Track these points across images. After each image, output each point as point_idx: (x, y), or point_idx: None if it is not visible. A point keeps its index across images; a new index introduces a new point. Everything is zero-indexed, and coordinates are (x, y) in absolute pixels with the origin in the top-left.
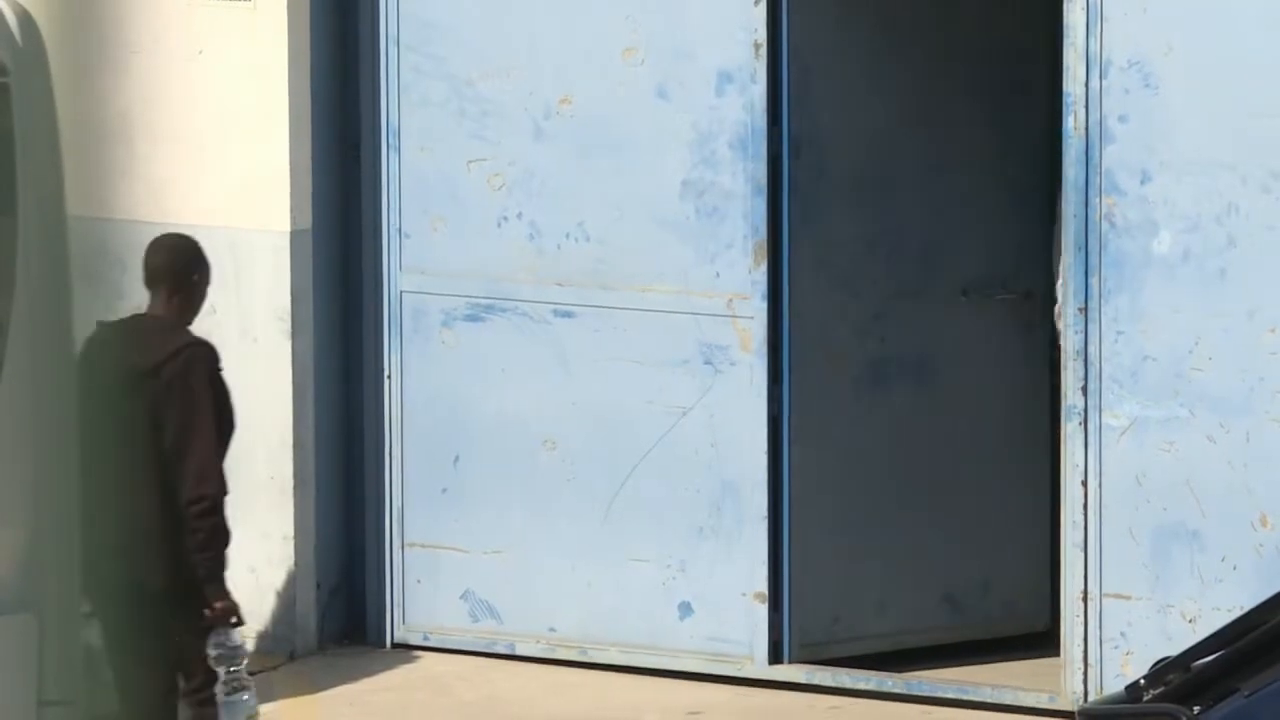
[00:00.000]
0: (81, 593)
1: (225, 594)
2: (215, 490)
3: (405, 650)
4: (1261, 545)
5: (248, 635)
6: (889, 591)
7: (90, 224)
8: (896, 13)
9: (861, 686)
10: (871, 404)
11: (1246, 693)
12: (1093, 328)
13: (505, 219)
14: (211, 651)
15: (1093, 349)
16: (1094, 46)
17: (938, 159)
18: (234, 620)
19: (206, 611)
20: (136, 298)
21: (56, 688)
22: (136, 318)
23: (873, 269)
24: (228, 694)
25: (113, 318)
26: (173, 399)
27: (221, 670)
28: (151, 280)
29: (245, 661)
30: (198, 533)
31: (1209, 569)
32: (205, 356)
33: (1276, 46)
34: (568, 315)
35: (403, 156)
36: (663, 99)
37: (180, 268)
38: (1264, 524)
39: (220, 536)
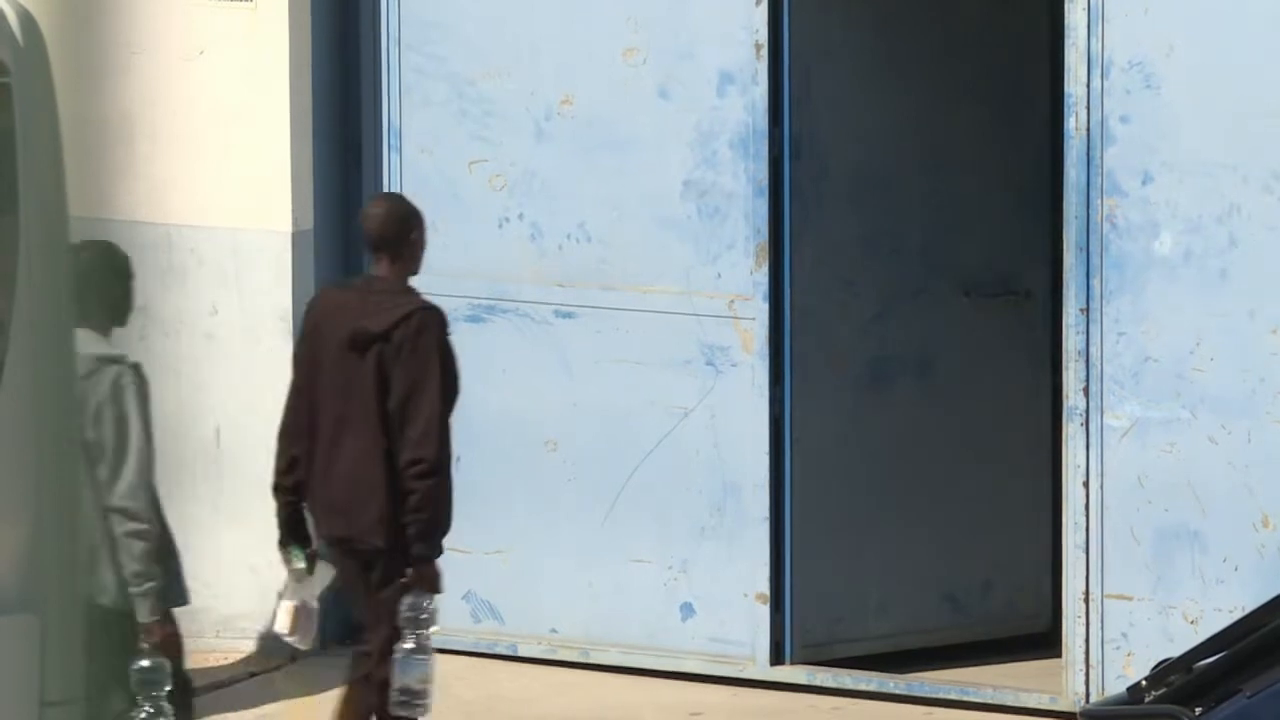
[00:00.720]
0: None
1: (431, 559)
2: (434, 454)
3: None
4: (1263, 546)
5: (435, 604)
6: (890, 592)
7: (90, 224)
8: (898, 13)
9: (863, 687)
10: (873, 405)
11: (1249, 694)
12: (1094, 328)
13: (506, 219)
14: (404, 611)
15: (1094, 350)
16: (1095, 47)
17: (939, 159)
18: (434, 588)
19: (409, 571)
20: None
21: (58, 688)
22: (366, 280)
23: (874, 269)
24: (406, 654)
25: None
26: (401, 362)
27: (408, 630)
28: (372, 246)
29: (433, 628)
30: (413, 494)
31: (1210, 570)
32: (435, 321)
33: (1278, 47)
34: (569, 316)
35: (404, 157)
36: (664, 99)
37: (396, 230)
38: (1265, 525)
39: (434, 500)
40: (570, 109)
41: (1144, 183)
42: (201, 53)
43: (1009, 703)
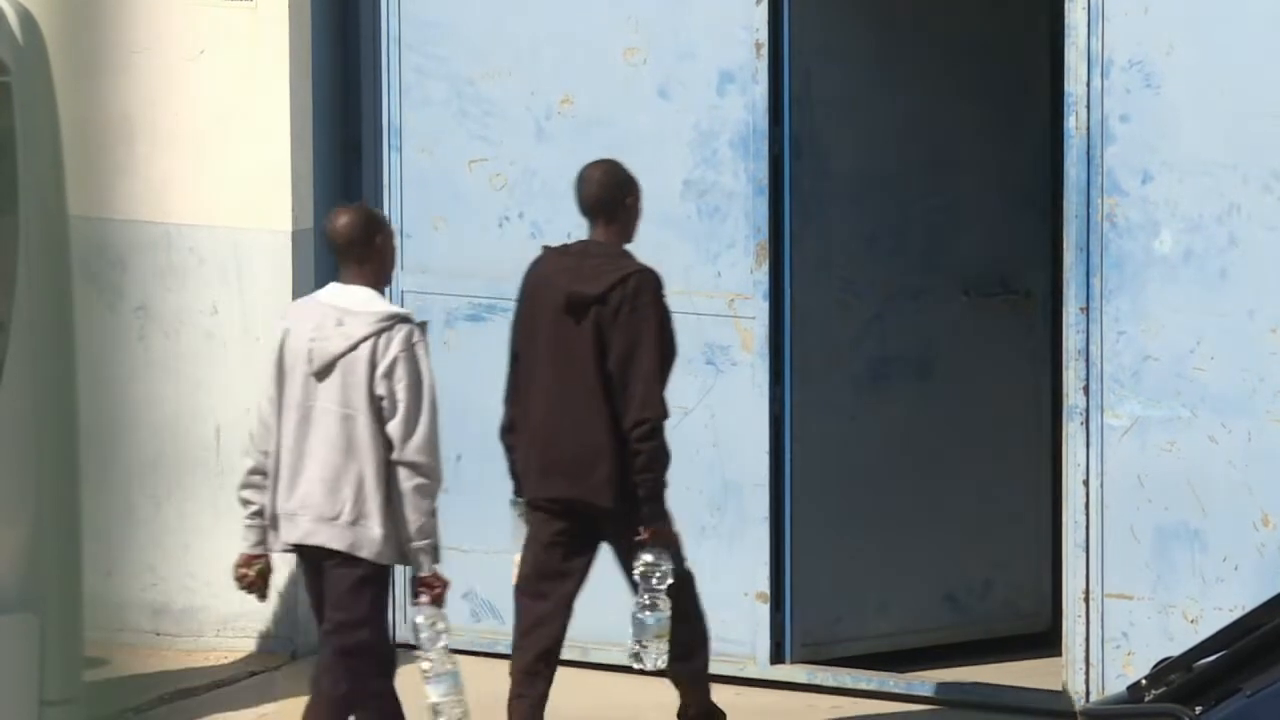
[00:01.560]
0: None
1: (661, 516)
2: (657, 414)
3: (407, 650)
4: (1263, 545)
5: (669, 562)
6: (890, 591)
7: (90, 224)
8: (898, 12)
9: (863, 687)
10: (873, 404)
11: (1249, 693)
12: (1094, 327)
13: (507, 219)
14: (637, 568)
15: (1094, 349)
16: (1095, 46)
17: (939, 159)
18: (668, 544)
19: (641, 530)
20: (137, 297)
21: (58, 687)
22: (582, 244)
23: (874, 269)
24: (640, 610)
25: (559, 244)
26: (619, 324)
27: (642, 587)
28: (588, 210)
29: (668, 582)
30: (639, 455)
31: (1210, 569)
32: (651, 283)
33: (1278, 47)
34: None
35: (404, 156)
36: (664, 99)
37: (611, 195)
38: (1266, 524)
39: (659, 459)
40: (570, 108)
41: (1144, 182)
42: (202, 52)
43: (1009, 702)
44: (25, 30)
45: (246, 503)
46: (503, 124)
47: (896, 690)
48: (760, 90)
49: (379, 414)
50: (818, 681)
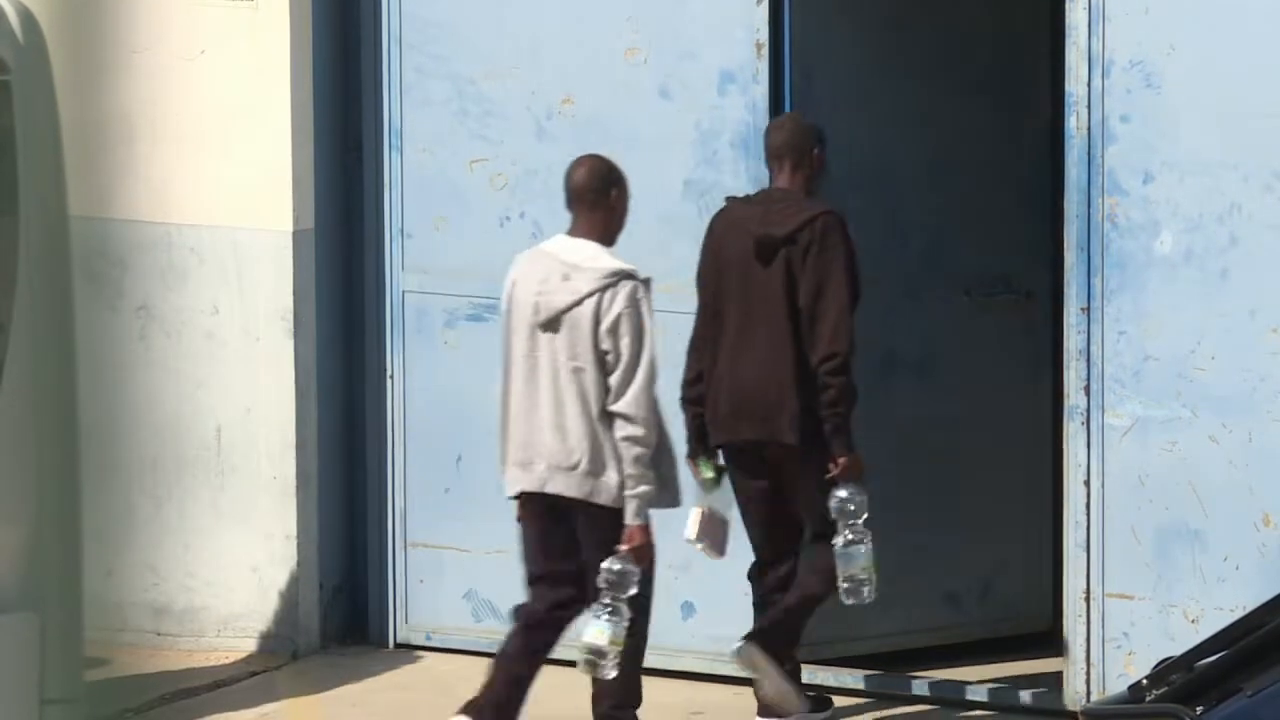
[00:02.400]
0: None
1: (850, 450)
2: (845, 348)
3: (408, 650)
4: (1264, 545)
5: (864, 495)
6: (891, 591)
7: (90, 224)
8: (898, 12)
9: (863, 687)
10: (873, 404)
11: (1249, 693)
12: (1095, 328)
13: (508, 219)
14: (833, 504)
15: (1095, 349)
16: (1096, 46)
17: (939, 159)
18: (858, 477)
19: (831, 466)
20: (138, 297)
21: (58, 686)
22: (766, 192)
23: (874, 269)
24: (844, 545)
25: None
26: (808, 262)
27: (841, 522)
28: (778, 155)
29: (865, 516)
30: (828, 389)
31: (1211, 569)
32: (838, 223)
33: (1278, 47)
34: None
35: (405, 156)
36: (665, 99)
37: (803, 143)
38: (1266, 524)
39: (848, 394)
40: (571, 108)
41: (1145, 182)
42: (202, 52)
43: (1010, 702)
44: (26, 29)
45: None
46: (503, 124)
47: (896, 690)
48: (761, 90)
49: (604, 367)
50: (818, 681)
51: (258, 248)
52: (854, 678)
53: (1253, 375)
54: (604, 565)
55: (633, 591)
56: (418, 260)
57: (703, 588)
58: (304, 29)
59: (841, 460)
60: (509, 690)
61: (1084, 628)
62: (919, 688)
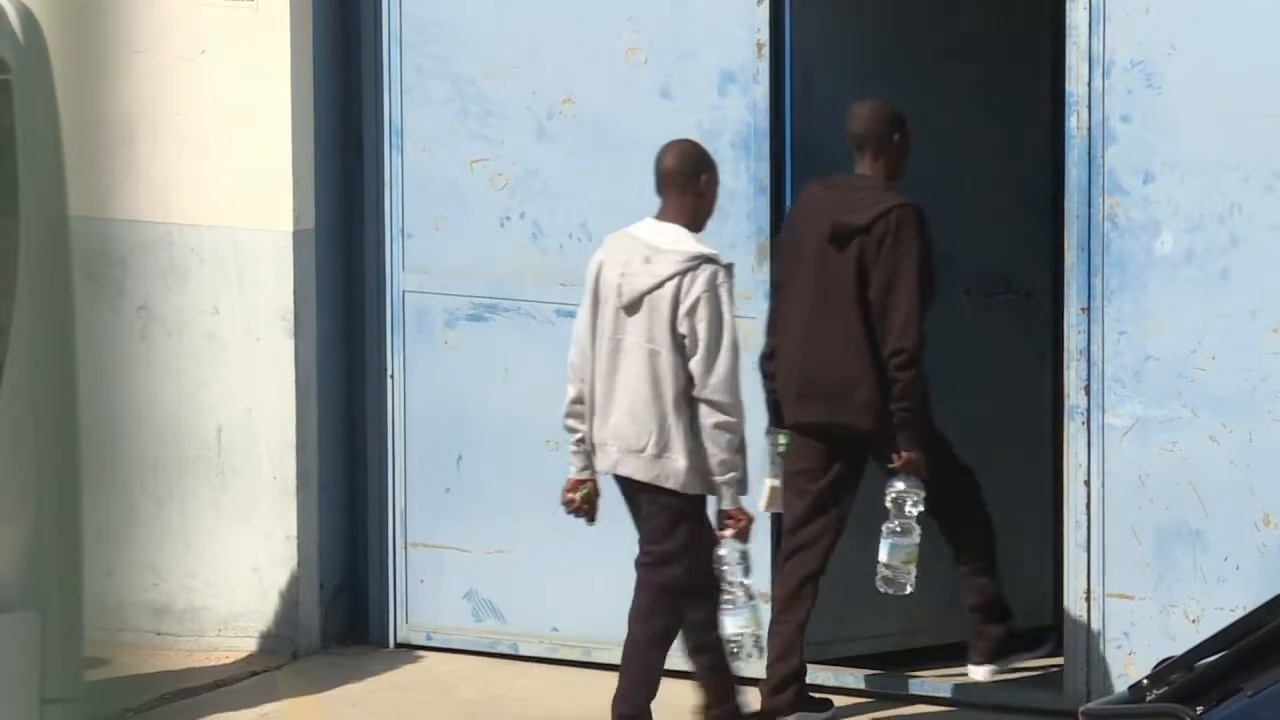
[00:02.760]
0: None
1: (915, 445)
2: (913, 344)
3: (408, 650)
4: (1264, 545)
5: (920, 489)
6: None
7: (91, 224)
8: (899, 12)
9: (864, 686)
10: None
11: (1250, 693)
12: (1095, 328)
13: (508, 219)
14: (890, 492)
15: (1095, 349)
16: (1096, 46)
17: (940, 159)
18: (920, 473)
19: (895, 457)
20: (139, 297)
21: (58, 686)
22: (847, 178)
23: None
24: (892, 533)
25: (826, 178)
26: (881, 255)
27: (893, 511)
28: (858, 144)
29: (918, 509)
30: (895, 383)
31: (1212, 569)
32: (914, 217)
33: (1278, 46)
34: (571, 315)
35: (405, 156)
36: (665, 99)
37: (882, 130)
38: (1267, 524)
39: (915, 389)
40: (572, 108)
41: (1145, 182)
42: (203, 52)
43: (1010, 702)
44: (26, 29)
45: (571, 430)
46: (504, 124)
47: (897, 690)
48: (761, 90)
49: (681, 350)
50: (819, 681)
51: (258, 248)
52: (854, 678)
53: (1253, 375)
54: (718, 553)
55: (742, 578)
56: (418, 260)
57: None
58: (304, 29)
59: (905, 454)
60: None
61: (1084, 628)
62: (919, 688)
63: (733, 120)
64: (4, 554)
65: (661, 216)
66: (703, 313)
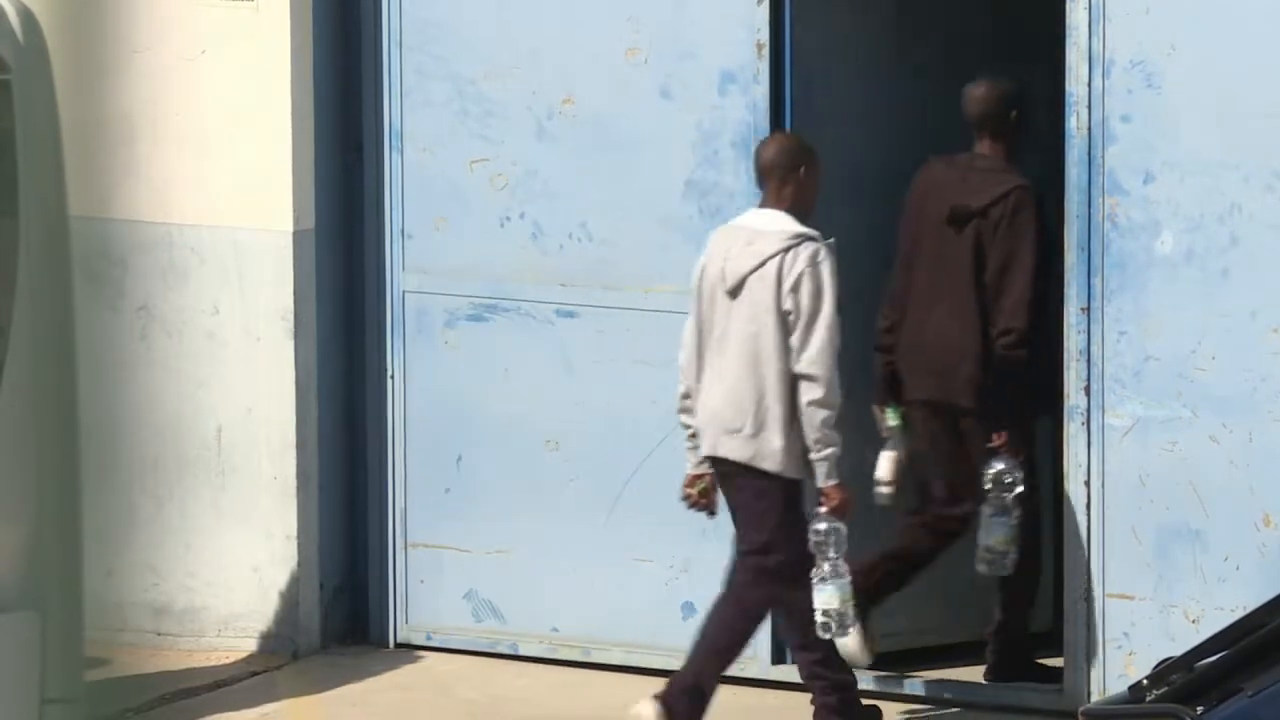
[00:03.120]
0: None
1: (1013, 425)
2: (1024, 325)
3: (408, 650)
4: (1264, 545)
5: (1020, 470)
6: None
7: (91, 224)
8: (898, 12)
9: (864, 687)
10: (874, 403)
11: (1250, 693)
12: (1095, 328)
13: (508, 219)
14: (989, 472)
15: (1095, 349)
16: (1097, 46)
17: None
18: (1017, 454)
19: (994, 438)
20: (139, 297)
21: (58, 686)
22: (969, 157)
23: (875, 269)
24: (993, 514)
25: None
26: (998, 237)
27: (993, 494)
28: (975, 125)
29: (1016, 491)
30: (1003, 362)
31: (1212, 569)
32: (1030, 200)
33: (1278, 46)
34: (570, 315)
35: (405, 156)
36: (665, 99)
37: (996, 110)
38: (1267, 524)
39: (1019, 369)
40: (572, 108)
41: (1145, 182)
42: (203, 52)
43: (1010, 702)
44: (26, 29)
45: (685, 425)
46: (504, 124)
47: (898, 690)
48: (761, 90)
49: (785, 328)
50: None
51: (258, 248)
52: (855, 678)
53: (1253, 375)
54: (812, 529)
55: (844, 549)
56: (418, 260)
57: (703, 588)
58: (304, 29)
59: (1004, 434)
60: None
61: (1084, 628)
62: (919, 688)
63: (733, 120)
64: (4, 554)
65: (763, 205)
66: (805, 288)
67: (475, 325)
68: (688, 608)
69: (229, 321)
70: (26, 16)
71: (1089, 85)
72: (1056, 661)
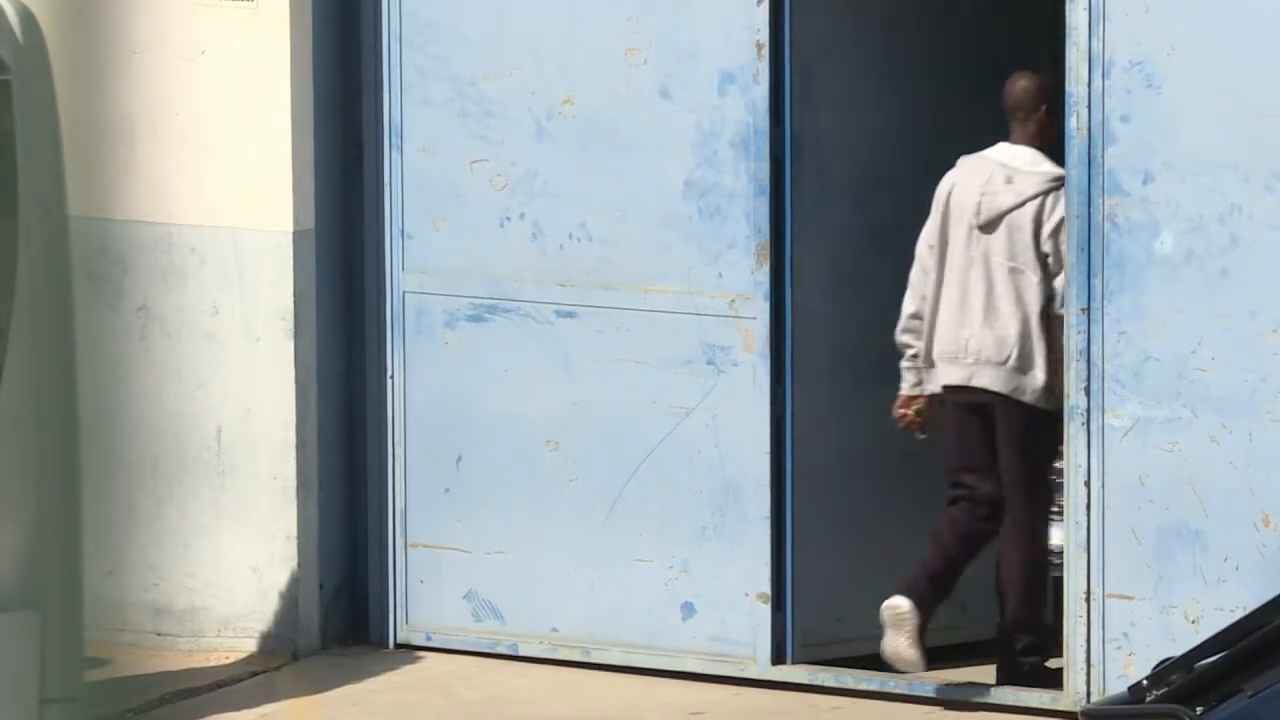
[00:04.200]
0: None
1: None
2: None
3: (408, 650)
4: (1264, 545)
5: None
6: (892, 592)
7: (91, 224)
8: (899, 12)
9: (864, 687)
10: (874, 404)
11: (1250, 693)
12: (1095, 328)
13: (508, 219)
14: (1058, 464)
15: (1095, 349)
16: (1096, 46)
17: (940, 159)
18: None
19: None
20: (138, 298)
21: (58, 686)
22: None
23: (875, 269)
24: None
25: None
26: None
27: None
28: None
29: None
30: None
31: (1212, 569)
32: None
33: (1278, 46)
34: (570, 315)
35: (405, 157)
36: (665, 99)
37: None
38: (1266, 524)
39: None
40: (571, 109)
41: (1145, 182)
42: (203, 52)
43: (1010, 702)
44: (26, 29)
45: (906, 345)
46: (504, 124)
47: (897, 690)
48: (761, 90)
49: (1044, 269)
50: (819, 682)
51: (258, 248)
52: (855, 677)
53: (1253, 376)
54: (1056, 466)
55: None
56: (418, 260)
57: (703, 588)
58: (304, 29)
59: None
60: (943, 565)
61: (1084, 628)
62: (919, 688)
63: (732, 120)
64: (4, 554)
65: (1012, 140)
66: (1063, 234)
67: (475, 325)
68: (687, 608)
69: (229, 322)
70: (26, 16)
71: (1088, 85)
72: (1056, 661)
